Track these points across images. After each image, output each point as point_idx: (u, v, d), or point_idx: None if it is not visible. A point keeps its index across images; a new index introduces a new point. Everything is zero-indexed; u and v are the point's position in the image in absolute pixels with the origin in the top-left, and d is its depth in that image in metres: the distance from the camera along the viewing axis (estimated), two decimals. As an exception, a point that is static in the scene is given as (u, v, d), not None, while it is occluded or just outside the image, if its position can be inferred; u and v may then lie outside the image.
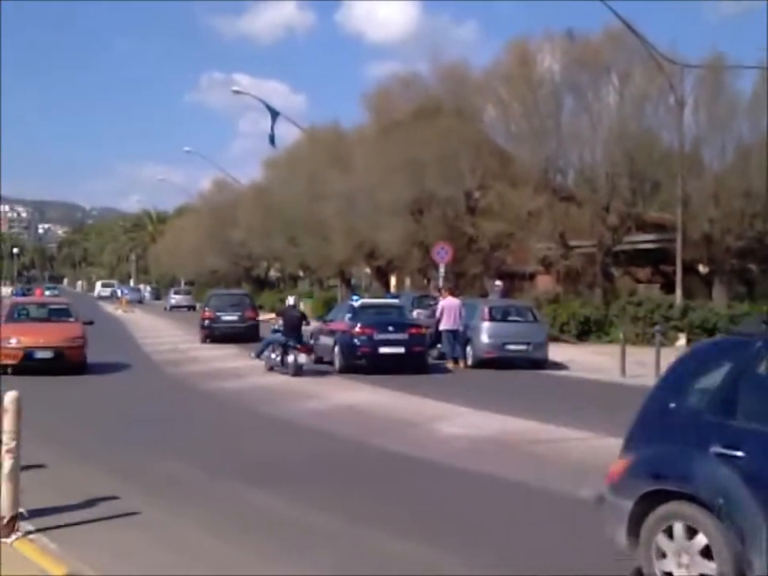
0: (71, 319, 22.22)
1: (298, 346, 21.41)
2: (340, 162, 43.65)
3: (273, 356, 22.06)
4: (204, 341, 32.15)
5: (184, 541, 7.82)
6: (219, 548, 7.59)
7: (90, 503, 8.83)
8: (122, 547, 7.47)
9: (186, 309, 62.42)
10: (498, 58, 37.48)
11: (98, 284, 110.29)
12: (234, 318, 32.15)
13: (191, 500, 9.29)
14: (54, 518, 7.99)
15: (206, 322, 32.67)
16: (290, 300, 23.82)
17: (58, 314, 22.80)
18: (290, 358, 21.30)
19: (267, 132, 43.24)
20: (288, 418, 15.08)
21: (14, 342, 20.00)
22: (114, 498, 9.13)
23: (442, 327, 23.94)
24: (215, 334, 32.02)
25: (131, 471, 10.65)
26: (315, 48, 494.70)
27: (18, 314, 22.25)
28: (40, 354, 20.08)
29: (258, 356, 22.65)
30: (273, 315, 24.53)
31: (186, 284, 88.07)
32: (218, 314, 32.76)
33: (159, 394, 18.77)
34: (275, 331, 22.62)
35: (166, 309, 64.73)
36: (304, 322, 22.40)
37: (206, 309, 33.42)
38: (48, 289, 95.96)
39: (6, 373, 18.59)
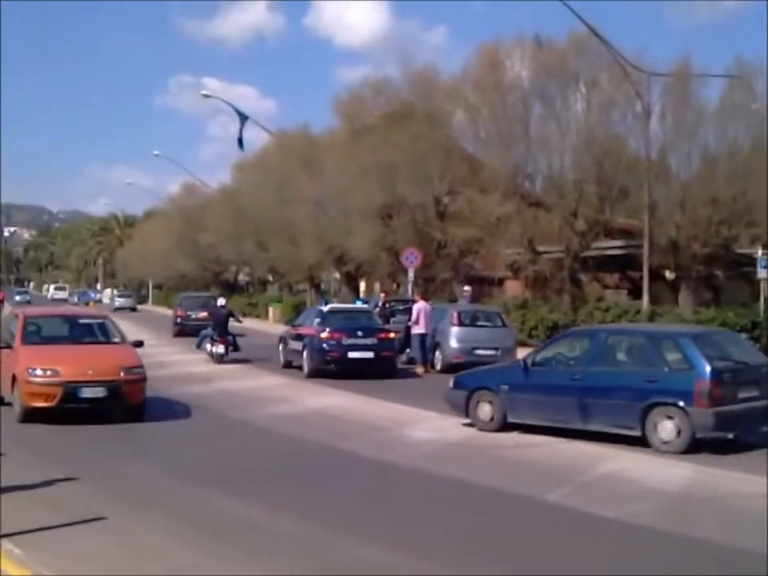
0: (116, 339, 16.06)
1: (218, 339, 25.26)
2: (310, 167, 43.62)
3: (208, 347, 25.79)
4: (176, 335, 36.86)
5: (150, 546, 7.77)
6: (186, 553, 7.56)
7: (55, 508, 8.77)
8: (87, 552, 7.42)
9: (128, 310, 69.91)
10: (468, 63, 37.59)
11: (51, 287, 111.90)
12: (203, 316, 35.40)
13: (158, 505, 9.24)
14: (18, 523, 7.91)
15: (179, 319, 38.02)
16: (220, 301, 28.08)
17: (94, 332, 16.33)
18: (213, 349, 25.36)
19: (237, 136, 43.16)
20: (257, 423, 15.04)
21: (42, 373, 14.07)
22: (80, 502, 9.08)
23: (415, 331, 23.90)
24: (186, 330, 36.23)
25: (97, 476, 10.57)
26: (285, 52, 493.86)
27: (28, 333, 15.62)
28: (88, 392, 14.06)
29: (198, 347, 26.77)
30: (206, 314, 29.54)
31: (154, 288, 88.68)
32: (189, 312, 37.83)
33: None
34: (210, 327, 26.56)
35: (111, 310, 66.97)
36: (232, 319, 26.25)
37: (179, 308, 38.83)
38: (18, 294, 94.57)
39: (32, 420, 13.95)
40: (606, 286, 38.25)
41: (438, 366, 23.75)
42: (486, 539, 8.15)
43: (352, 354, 21.91)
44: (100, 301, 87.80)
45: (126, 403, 14.58)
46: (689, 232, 30.96)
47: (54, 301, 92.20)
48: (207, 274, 70.55)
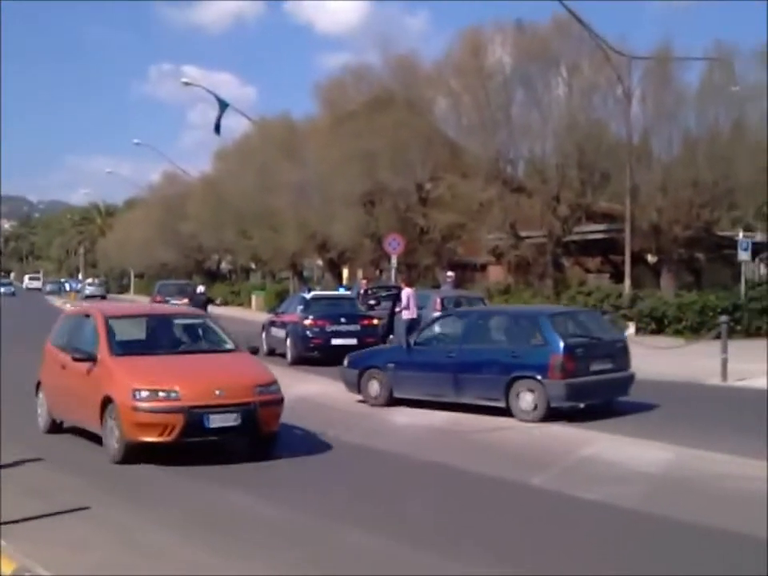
0: (228, 346, 12.23)
1: None
2: (291, 154, 43.53)
3: None
4: None
5: (137, 535, 7.77)
6: (174, 543, 7.56)
7: (42, 499, 8.76)
8: (72, 542, 7.41)
9: (99, 297, 72.89)
10: (449, 49, 37.62)
11: (26, 277, 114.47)
12: (179, 302, 38.56)
13: (147, 496, 9.24)
14: (3, 515, 7.88)
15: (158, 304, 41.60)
16: (200, 288, 30.88)
17: (198, 337, 12.57)
18: None
19: (214, 123, 42.93)
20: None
21: (153, 396, 10.43)
22: (63, 492, 9.06)
23: (406, 317, 23.79)
24: None
25: (81, 465, 10.55)
26: (265, 39, 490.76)
27: (115, 340, 11.64)
28: (217, 421, 10.53)
29: None
30: (186, 300, 31.79)
31: (136, 277, 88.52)
32: (167, 298, 40.27)
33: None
34: None
35: (81, 298, 70.12)
36: (210, 303, 29.30)
37: (157, 295, 42.29)
38: (2, 285, 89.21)
39: (135, 460, 10.50)
40: (588, 270, 38.42)
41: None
42: (472, 524, 8.19)
43: (335, 341, 21.92)
44: (81, 291, 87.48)
45: (260, 433, 11.09)
46: (670, 215, 31.11)
47: (29, 291, 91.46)
48: (189, 263, 70.35)
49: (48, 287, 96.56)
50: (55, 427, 12.56)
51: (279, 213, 44.19)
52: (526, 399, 13.24)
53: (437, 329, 15.56)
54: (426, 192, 38.28)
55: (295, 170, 42.49)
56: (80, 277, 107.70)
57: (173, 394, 10.44)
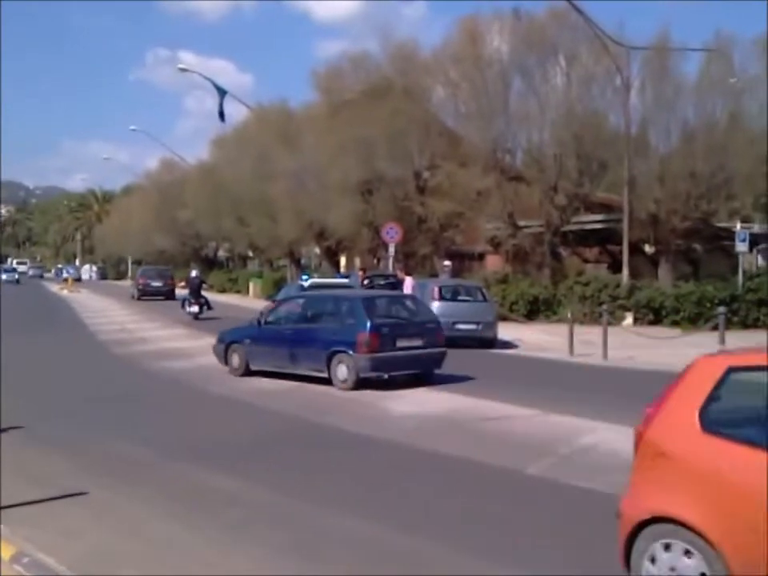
0: None
1: (193, 301, 31.73)
2: (289, 142, 43.48)
3: (187, 307, 32.04)
4: (139, 298, 47.54)
5: (133, 521, 7.77)
6: (169, 528, 7.57)
7: (37, 483, 8.77)
8: (70, 527, 7.43)
9: (74, 280, 77.10)
10: (448, 37, 37.58)
11: (14, 262, 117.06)
12: (160, 284, 48.94)
13: (140, 480, 9.24)
14: (3, 499, 7.89)
15: (140, 285, 49.11)
16: (194, 272, 34.74)
17: None
18: (189, 309, 31.63)
19: (214, 111, 42.76)
20: (238, 398, 15.05)
21: None
22: (62, 478, 9.08)
23: None
24: (146, 293, 48.04)
25: (79, 451, 10.57)
26: (262, 25, 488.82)
27: None
28: None
29: (182, 307, 32.48)
30: (183, 283, 36.51)
31: (133, 263, 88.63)
32: (148, 281, 49.26)
33: (107, 373, 18.58)
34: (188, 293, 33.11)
35: (61, 280, 72.86)
36: (204, 285, 33.82)
37: (140, 278, 50.12)
38: (5, 272, 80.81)
39: None
40: (585, 260, 38.47)
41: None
42: (467, 511, 8.21)
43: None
44: (41, 276, 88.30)
45: None
46: (668, 206, 31.13)
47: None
48: (186, 250, 70.28)
49: (30, 272, 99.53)
50: None
51: (277, 200, 44.17)
52: (341, 370, 15.70)
53: (283, 310, 17.88)
54: (423, 180, 38.25)
55: (292, 157, 42.44)
56: (77, 263, 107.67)
57: None
